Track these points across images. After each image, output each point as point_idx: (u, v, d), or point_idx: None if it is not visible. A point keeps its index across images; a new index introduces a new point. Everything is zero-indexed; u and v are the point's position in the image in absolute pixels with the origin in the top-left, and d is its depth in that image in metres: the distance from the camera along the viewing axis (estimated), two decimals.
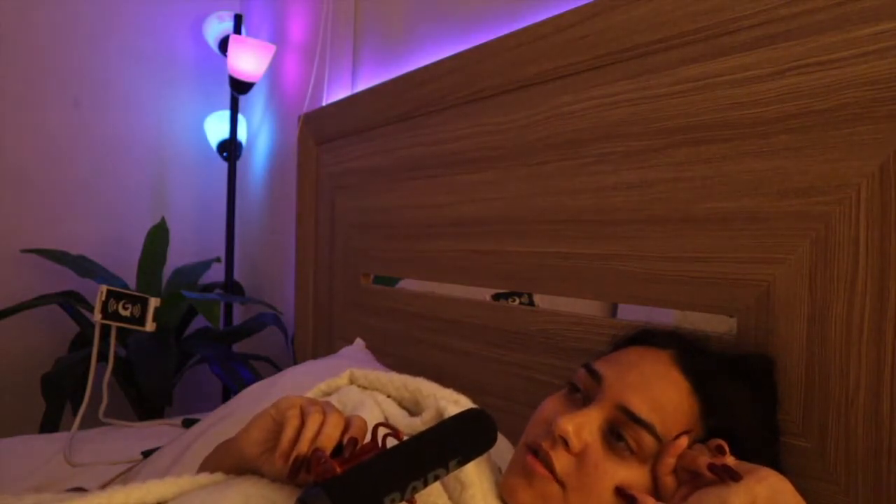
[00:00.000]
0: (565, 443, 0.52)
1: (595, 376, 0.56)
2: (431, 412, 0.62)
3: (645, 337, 0.62)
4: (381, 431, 0.49)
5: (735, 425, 0.53)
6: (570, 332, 0.83)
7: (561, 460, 0.52)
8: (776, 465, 0.57)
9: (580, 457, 0.52)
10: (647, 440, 0.51)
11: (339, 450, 0.49)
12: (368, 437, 0.50)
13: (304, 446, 0.48)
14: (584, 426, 0.53)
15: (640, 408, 0.52)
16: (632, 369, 0.56)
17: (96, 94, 1.84)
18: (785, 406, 0.60)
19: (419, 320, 1.12)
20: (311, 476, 0.46)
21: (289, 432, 0.50)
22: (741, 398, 0.55)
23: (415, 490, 0.44)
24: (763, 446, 0.55)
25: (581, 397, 0.57)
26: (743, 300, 0.64)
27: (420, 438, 0.47)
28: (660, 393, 0.53)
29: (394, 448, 0.46)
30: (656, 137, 0.71)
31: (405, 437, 0.47)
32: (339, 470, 0.43)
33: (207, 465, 0.62)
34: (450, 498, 0.54)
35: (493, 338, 0.95)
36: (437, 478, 0.46)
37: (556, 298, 0.86)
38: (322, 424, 0.50)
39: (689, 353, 0.58)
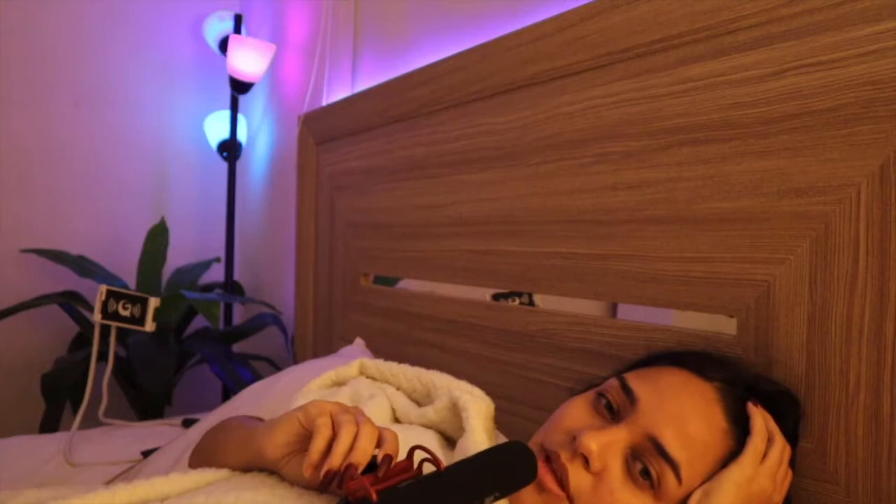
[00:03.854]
0: (585, 459, 0.51)
1: (630, 395, 0.54)
2: (444, 401, 0.62)
3: (690, 361, 0.58)
4: (419, 455, 0.47)
5: None
6: (570, 332, 0.83)
7: (577, 476, 0.51)
8: None
9: (597, 477, 0.51)
10: (670, 478, 0.49)
11: (370, 463, 0.47)
12: (403, 455, 0.48)
13: (336, 461, 0.45)
14: (609, 447, 0.51)
15: (672, 444, 0.50)
16: (671, 400, 0.53)
17: (96, 94, 1.84)
18: None
19: (419, 320, 1.12)
20: (341, 490, 0.45)
21: (319, 443, 0.47)
22: None
23: None
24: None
25: (609, 411, 0.55)
26: (743, 300, 0.64)
27: (459, 470, 0.45)
28: (695, 431, 0.51)
29: (432, 477, 0.44)
30: (656, 137, 0.71)
31: (443, 465, 0.45)
32: (374, 497, 0.41)
33: (211, 452, 0.62)
34: None
35: (493, 338, 0.95)
36: None
37: (556, 298, 0.86)
38: (355, 438, 0.47)
39: (735, 388, 0.55)
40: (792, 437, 0.57)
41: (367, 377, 0.74)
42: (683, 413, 0.52)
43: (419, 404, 0.68)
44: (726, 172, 0.65)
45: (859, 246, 0.55)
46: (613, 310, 0.86)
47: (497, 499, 0.46)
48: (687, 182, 0.68)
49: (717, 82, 0.65)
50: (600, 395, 0.56)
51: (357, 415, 0.50)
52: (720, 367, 0.57)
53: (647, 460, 0.50)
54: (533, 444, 0.56)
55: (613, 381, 0.56)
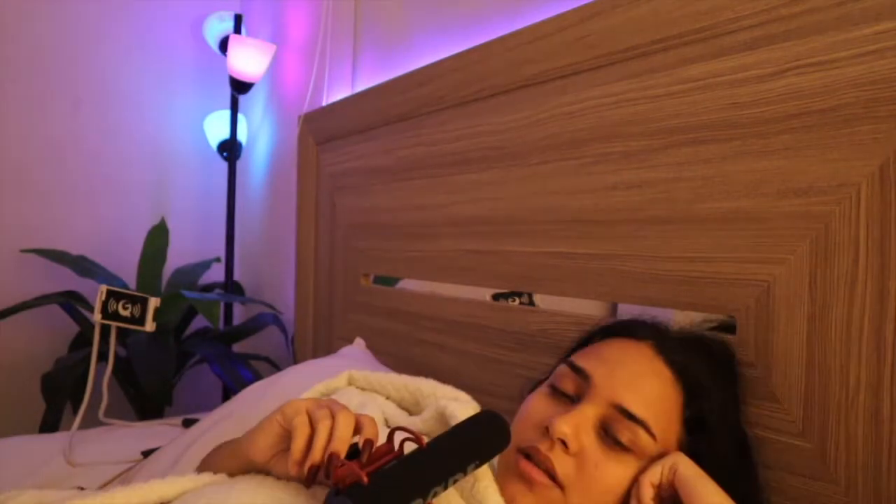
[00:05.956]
0: (563, 444, 0.53)
1: (582, 374, 0.57)
2: (431, 411, 0.62)
3: (621, 329, 0.63)
4: (399, 435, 0.48)
5: (712, 410, 0.56)
6: (570, 332, 0.83)
7: (561, 462, 0.53)
8: (745, 449, 0.59)
9: (578, 457, 0.53)
10: (643, 436, 0.53)
11: (352, 450, 0.48)
12: (383, 439, 0.49)
13: (317, 455, 0.47)
14: (580, 426, 0.53)
15: (636, 406, 0.53)
16: (619, 366, 0.57)
17: (96, 94, 1.84)
18: (785, 406, 0.60)
19: (419, 320, 1.12)
20: (329, 480, 0.46)
21: (299, 441, 0.48)
22: (717, 386, 0.58)
23: (435, 495, 0.45)
24: (732, 430, 0.58)
25: (566, 396, 0.57)
26: (743, 300, 0.64)
27: (439, 444, 0.47)
28: (649, 389, 0.55)
29: (415, 454, 0.46)
30: (656, 137, 0.71)
31: (424, 442, 0.47)
32: (365, 479, 0.42)
33: (208, 467, 0.62)
34: (460, 492, 0.54)
35: (493, 338, 0.95)
36: (455, 482, 0.46)
37: (556, 298, 0.86)
38: (332, 428, 0.48)
39: (668, 342, 0.59)
40: (730, 377, 0.61)
41: (357, 388, 0.75)
42: (634, 375, 0.56)
43: (410, 412, 0.69)
44: (726, 172, 0.65)
45: (859, 246, 0.55)
46: (613, 310, 0.86)
47: (477, 466, 0.48)
48: (687, 182, 0.68)
49: (716, 82, 0.65)
50: (553, 385, 0.59)
51: (332, 405, 0.51)
52: (648, 328, 0.62)
53: (616, 428, 0.53)
54: (508, 450, 0.57)
55: (563, 368, 0.59)
